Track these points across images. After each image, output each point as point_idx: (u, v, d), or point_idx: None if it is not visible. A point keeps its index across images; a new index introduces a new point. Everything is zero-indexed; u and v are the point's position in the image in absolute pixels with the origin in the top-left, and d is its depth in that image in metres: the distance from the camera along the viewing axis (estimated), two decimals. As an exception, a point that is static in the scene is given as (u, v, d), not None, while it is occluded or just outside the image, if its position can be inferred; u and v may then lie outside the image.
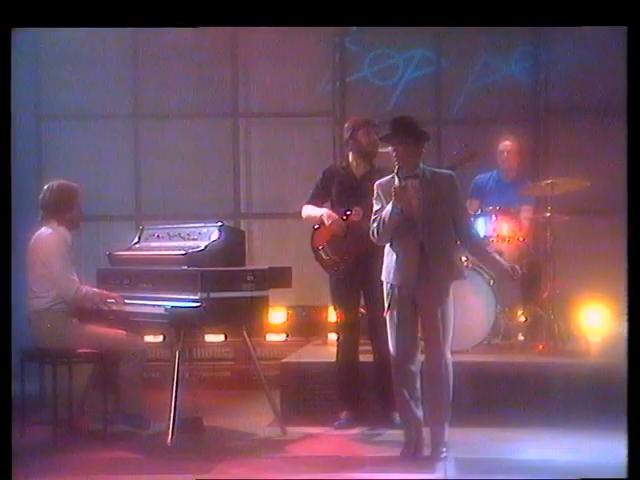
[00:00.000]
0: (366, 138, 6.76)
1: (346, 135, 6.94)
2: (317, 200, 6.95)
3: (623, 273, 9.20)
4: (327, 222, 6.75)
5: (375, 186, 5.98)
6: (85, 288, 6.57)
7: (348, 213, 6.70)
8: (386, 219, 5.74)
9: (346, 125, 7.01)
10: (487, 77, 9.68)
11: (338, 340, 7.01)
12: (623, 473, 5.66)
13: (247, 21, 5.67)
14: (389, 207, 5.71)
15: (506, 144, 8.11)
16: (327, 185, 6.94)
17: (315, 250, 6.88)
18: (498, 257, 6.17)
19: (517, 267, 6.11)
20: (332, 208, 6.88)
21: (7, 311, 4.77)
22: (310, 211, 6.92)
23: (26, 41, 9.09)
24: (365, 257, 6.47)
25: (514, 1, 5.44)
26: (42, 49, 9.50)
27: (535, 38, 9.59)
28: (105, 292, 6.61)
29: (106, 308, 6.53)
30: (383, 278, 5.92)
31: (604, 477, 5.43)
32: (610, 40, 9.31)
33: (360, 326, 6.94)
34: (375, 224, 5.86)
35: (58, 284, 6.53)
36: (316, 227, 6.86)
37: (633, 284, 5.00)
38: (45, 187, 6.71)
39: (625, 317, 5.81)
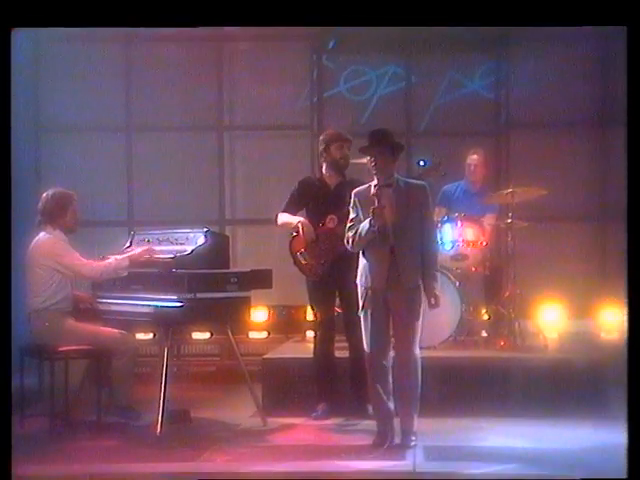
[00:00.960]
0: (339, 152, 6.74)
1: (320, 148, 6.90)
2: (292, 208, 6.92)
3: (578, 274, 9.31)
4: (301, 229, 6.75)
5: (352, 194, 5.98)
6: (103, 263, 6.55)
7: (324, 221, 6.69)
8: (362, 234, 5.75)
9: (321, 138, 6.96)
10: (453, 93, 9.72)
11: (315, 337, 7.00)
12: (578, 457, 5.71)
13: (242, 21, 5.46)
14: (365, 224, 5.72)
15: (473, 157, 8.11)
16: (302, 194, 6.92)
17: (294, 255, 6.86)
18: (436, 283, 5.95)
19: (438, 299, 5.93)
20: (307, 216, 6.86)
21: (7, 310, 4.73)
22: (285, 219, 6.89)
23: (25, 60, 9.09)
24: (339, 261, 6.48)
25: (514, 1, 5.24)
26: (41, 67, 9.47)
27: (497, 56, 9.63)
28: (119, 257, 6.56)
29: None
30: (357, 281, 5.93)
31: (561, 463, 5.47)
32: (567, 58, 9.42)
33: (336, 324, 6.93)
34: (350, 233, 5.86)
35: (82, 273, 6.54)
36: (294, 234, 6.84)
37: (633, 285, 4.84)
38: (43, 195, 6.69)
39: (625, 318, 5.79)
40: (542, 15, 5.27)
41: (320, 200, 6.80)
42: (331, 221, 6.63)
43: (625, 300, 4.91)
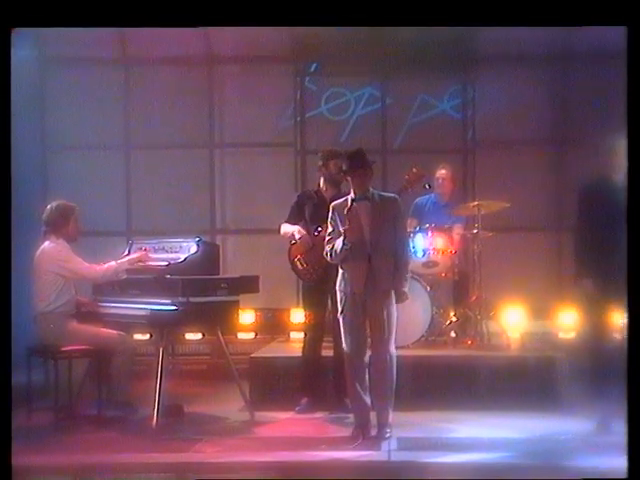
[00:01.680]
0: (336, 168, 6.72)
1: (319, 163, 6.92)
2: (293, 218, 6.95)
3: (537, 279, 9.34)
4: (297, 237, 6.77)
5: (330, 207, 6.01)
6: (104, 266, 6.55)
7: (319, 230, 6.68)
8: (337, 250, 5.80)
9: (319, 154, 6.99)
10: (424, 113, 9.71)
11: (305, 337, 6.99)
12: (538, 444, 5.74)
13: (242, 21, 5.16)
14: (339, 242, 5.77)
15: (442, 173, 8.12)
16: (301, 206, 6.94)
17: (292, 261, 6.88)
18: (406, 284, 5.98)
19: (404, 295, 5.96)
20: (306, 225, 6.88)
21: (7, 311, 4.66)
22: (285, 228, 6.92)
23: (33, 85, 9.10)
24: (333, 267, 6.45)
25: (515, 2, 5.01)
26: (47, 91, 9.46)
27: (463, 79, 9.64)
28: (119, 261, 6.58)
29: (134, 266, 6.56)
30: (337, 287, 5.95)
31: (539, 455, 5.47)
32: (527, 82, 9.46)
33: (325, 326, 6.92)
34: (328, 248, 5.91)
35: (85, 276, 6.57)
36: (292, 242, 6.86)
37: (633, 285, 4.73)
38: (47, 206, 6.69)
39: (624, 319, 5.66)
40: (542, 15, 5.06)
41: (317, 211, 6.77)
42: (325, 231, 6.64)
43: (625, 300, 4.83)
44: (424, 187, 7.21)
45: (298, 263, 6.85)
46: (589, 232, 6.15)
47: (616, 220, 5.98)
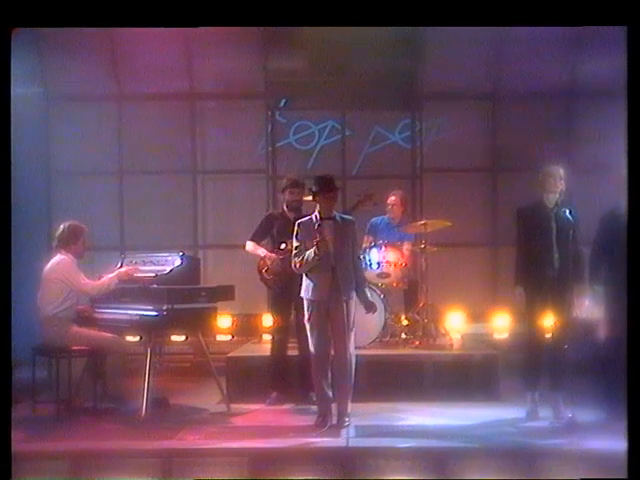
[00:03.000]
0: (290, 196, 6.80)
1: (281, 191, 7.01)
2: (259, 236, 6.96)
3: (475, 288, 9.42)
4: (268, 261, 6.79)
5: (297, 225, 6.02)
6: (99, 282, 6.54)
7: (283, 245, 6.71)
8: (308, 259, 5.82)
9: (282, 183, 7.08)
10: (378, 144, 9.74)
11: (273, 339, 6.97)
12: (478, 431, 5.76)
13: (242, 21, 4.82)
14: (311, 253, 5.78)
15: (392, 198, 8.09)
16: (268, 225, 6.95)
17: (260, 273, 6.89)
18: (368, 293, 6.15)
19: (373, 305, 6.12)
20: (272, 241, 6.91)
21: (7, 312, 4.51)
22: (253, 249, 6.92)
23: (39, 118, 9.07)
24: (296, 278, 6.44)
25: (515, 2, 4.64)
26: (51, 124, 9.41)
27: (412, 114, 9.66)
28: (109, 276, 6.55)
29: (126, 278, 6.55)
30: (303, 295, 5.97)
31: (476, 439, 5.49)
32: (466, 116, 9.55)
33: (290, 329, 6.91)
34: (297, 259, 5.91)
35: (84, 291, 6.54)
36: (260, 258, 6.89)
37: (632, 286, 4.50)
38: (61, 225, 6.68)
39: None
40: (543, 15, 4.69)
41: (282, 229, 6.78)
42: (289, 245, 6.67)
43: (626, 300, 4.64)
44: (374, 204, 7.28)
45: (265, 274, 6.87)
46: (523, 248, 6.22)
47: (545, 237, 6.08)
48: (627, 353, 4.39)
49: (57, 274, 6.49)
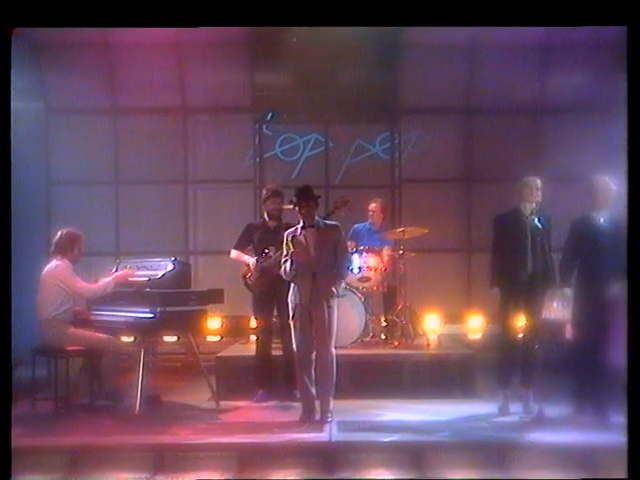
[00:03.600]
0: (271, 205, 6.82)
1: (262, 201, 7.01)
2: (242, 244, 6.97)
3: (451, 291, 9.48)
4: (252, 269, 6.79)
5: (285, 235, 6.04)
6: (96, 285, 6.52)
7: (265, 252, 6.74)
8: (287, 269, 5.88)
9: (262, 192, 7.09)
10: (359, 155, 9.73)
11: (257, 340, 6.98)
12: (454, 426, 5.79)
13: (241, 21, 4.63)
14: (287, 265, 5.86)
15: (373, 206, 8.13)
16: (249, 234, 6.96)
17: (244, 278, 6.90)
18: (340, 284, 6.08)
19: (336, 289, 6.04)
20: (254, 248, 6.91)
21: (7, 313, 4.48)
22: (237, 257, 6.94)
23: (39, 130, 9.04)
24: (276, 282, 6.50)
25: (515, 2, 4.48)
26: (50, 135, 9.38)
27: (391, 127, 9.67)
28: (106, 280, 6.53)
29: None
30: (289, 299, 5.99)
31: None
32: (441, 129, 9.60)
33: (273, 330, 6.93)
34: (284, 267, 5.95)
35: (81, 293, 6.51)
36: (245, 265, 6.90)
37: (632, 287, 4.38)
38: (59, 232, 6.65)
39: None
40: (543, 15, 4.53)
41: (263, 237, 6.82)
42: (270, 252, 6.69)
43: (626, 301, 4.52)
44: (349, 210, 7.29)
45: (249, 280, 6.88)
46: (499, 252, 6.26)
47: (520, 243, 6.13)
48: (627, 353, 4.31)
49: (54, 279, 6.46)
